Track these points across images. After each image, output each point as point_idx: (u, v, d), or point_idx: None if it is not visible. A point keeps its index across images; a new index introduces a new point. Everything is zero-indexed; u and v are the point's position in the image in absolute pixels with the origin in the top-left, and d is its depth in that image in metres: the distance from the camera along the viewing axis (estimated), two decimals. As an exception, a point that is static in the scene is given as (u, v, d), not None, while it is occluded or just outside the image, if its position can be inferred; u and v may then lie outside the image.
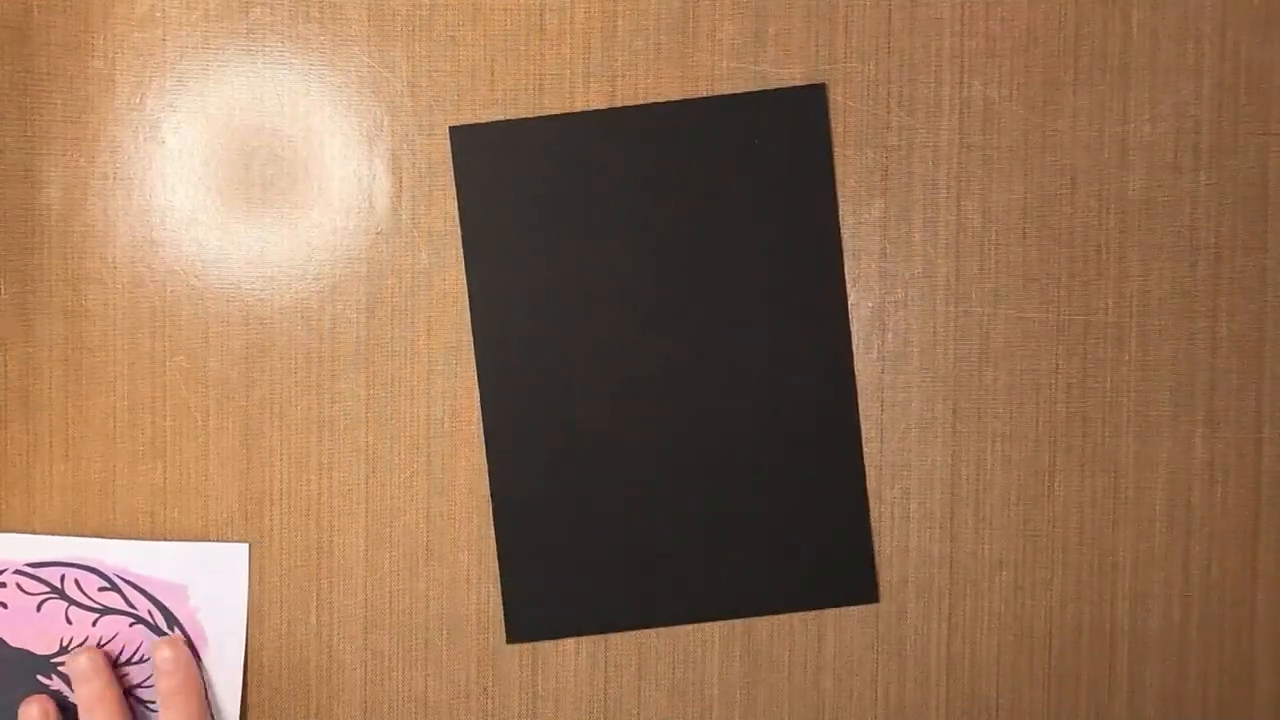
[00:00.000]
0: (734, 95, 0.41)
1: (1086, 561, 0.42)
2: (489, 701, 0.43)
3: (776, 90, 0.41)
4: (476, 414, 0.42)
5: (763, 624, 0.42)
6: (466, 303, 0.42)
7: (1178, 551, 0.42)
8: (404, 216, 0.42)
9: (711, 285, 0.41)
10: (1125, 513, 0.42)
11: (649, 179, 0.41)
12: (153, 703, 0.43)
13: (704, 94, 0.41)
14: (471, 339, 0.42)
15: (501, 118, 0.41)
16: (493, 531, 0.42)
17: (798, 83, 0.41)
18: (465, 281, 0.42)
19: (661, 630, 0.42)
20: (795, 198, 0.41)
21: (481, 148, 0.41)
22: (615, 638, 0.42)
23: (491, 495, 0.42)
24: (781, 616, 0.42)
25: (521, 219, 0.41)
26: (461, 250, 0.42)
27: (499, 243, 0.41)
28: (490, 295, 0.41)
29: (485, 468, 0.42)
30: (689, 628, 0.42)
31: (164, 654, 0.41)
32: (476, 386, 0.42)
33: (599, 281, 0.41)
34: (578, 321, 0.41)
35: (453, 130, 0.41)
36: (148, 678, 0.43)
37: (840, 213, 0.41)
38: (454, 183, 0.41)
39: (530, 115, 0.41)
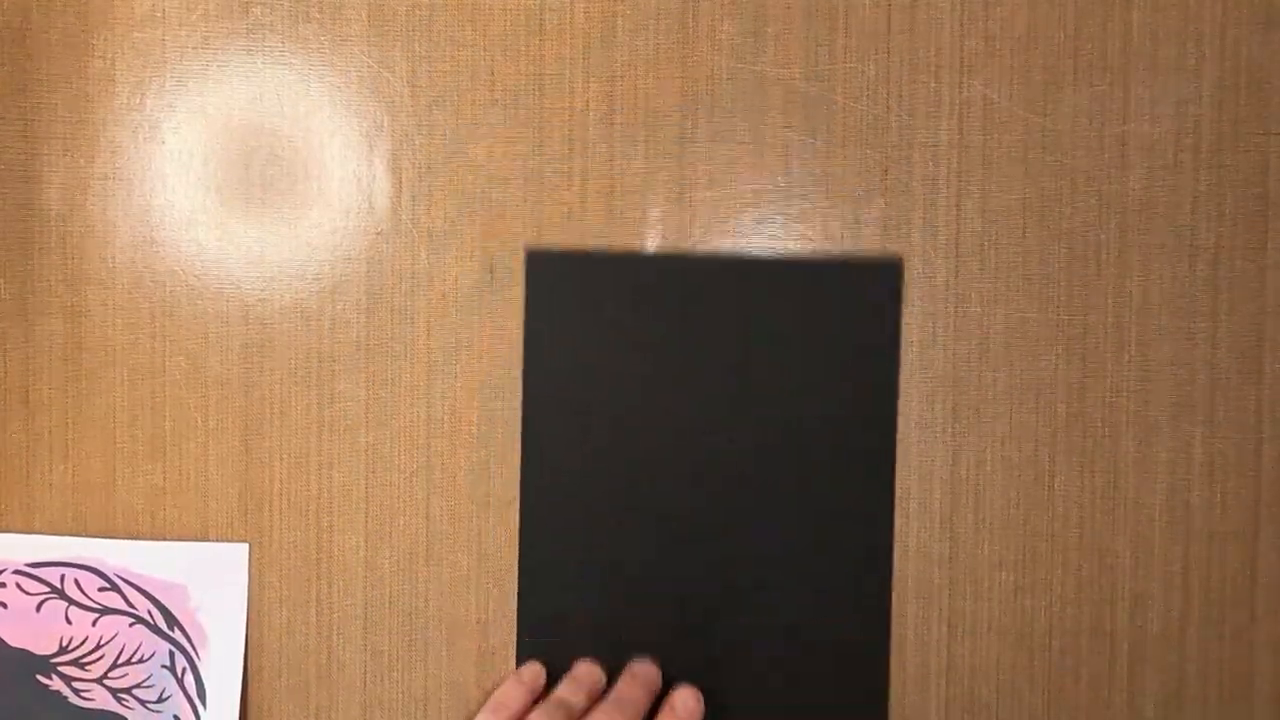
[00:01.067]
0: (811, 261, 0.41)
1: (1086, 561, 0.42)
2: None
3: (856, 263, 0.41)
4: (476, 414, 0.42)
5: (763, 624, 0.42)
6: (462, 304, 0.42)
7: (1178, 552, 0.42)
8: (404, 216, 0.42)
9: (762, 436, 0.41)
10: (1125, 513, 0.42)
11: (718, 328, 0.41)
12: (153, 702, 0.43)
13: (705, 96, 0.41)
14: (520, 413, 0.42)
15: (576, 245, 0.41)
16: (492, 531, 0.42)
17: (873, 255, 0.41)
18: (520, 398, 0.42)
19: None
20: (859, 367, 0.41)
21: (555, 272, 0.41)
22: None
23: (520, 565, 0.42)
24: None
25: (584, 347, 0.41)
26: (521, 365, 0.42)
27: (558, 366, 0.41)
28: (543, 419, 0.41)
29: (483, 467, 0.42)
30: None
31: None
32: (506, 448, 0.42)
33: (650, 420, 0.41)
34: (624, 454, 0.41)
35: (529, 254, 0.41)
36: (148, 677, 0.43)
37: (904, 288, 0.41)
38: (523, 303, 0.41)
39: (603, 246, 0.41)
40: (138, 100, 0.42)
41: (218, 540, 0.43)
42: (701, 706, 0.39)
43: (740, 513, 0.41)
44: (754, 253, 0.41)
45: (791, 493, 0.41)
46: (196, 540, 0.43)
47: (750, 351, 0.41)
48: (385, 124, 0.42)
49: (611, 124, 0.42)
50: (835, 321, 0.41)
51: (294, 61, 0.42)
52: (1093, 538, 0.42)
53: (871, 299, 0.41)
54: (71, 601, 0.43)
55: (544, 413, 0.41)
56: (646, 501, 0.41)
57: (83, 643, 0.43)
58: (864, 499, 0.41)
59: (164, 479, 0.43)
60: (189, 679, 0.43)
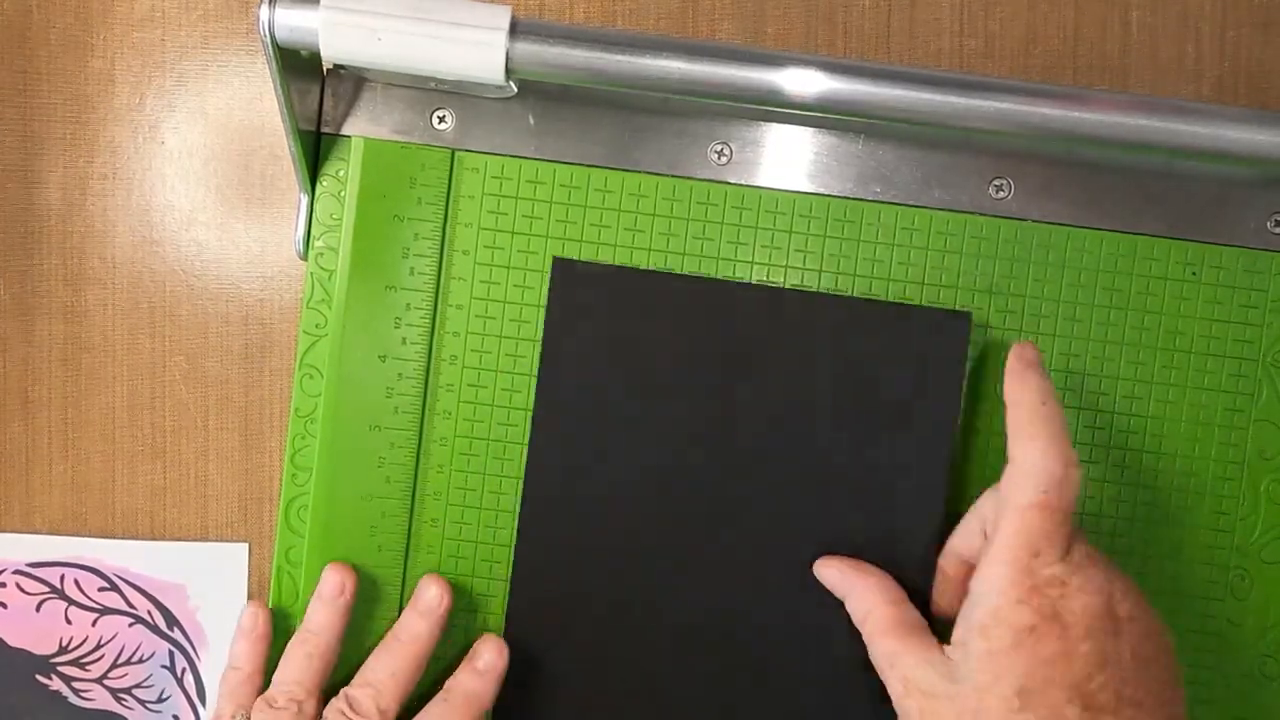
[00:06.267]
0: (871, 302, 0.38)
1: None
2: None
3: (918, 310, 0.38)
4: (476, 414, 0.42)
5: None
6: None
7: None
8: (404, 216, 0.42)
9: (792, 490, 0.38)
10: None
11: (747, 357, 0.38)
12: (153, 702, 0.43)
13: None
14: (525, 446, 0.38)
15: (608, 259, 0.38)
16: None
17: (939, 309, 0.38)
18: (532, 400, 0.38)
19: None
20: (915, 418, 0.37)
21: (582, 284, 0.38)
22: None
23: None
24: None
25: (605, 363, 0.38)
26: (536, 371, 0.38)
27: (576, 383, 0.38)
28: (553, 436, 0.38)
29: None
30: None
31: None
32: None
33: (665, 446, 0.38)
34: (636, 482, 0.38)
35: (556, 263, 0.38)
36: (148, 677, 0.43)
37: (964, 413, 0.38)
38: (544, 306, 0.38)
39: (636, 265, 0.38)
40: (138, 100, 0.42)
41: (218, 540, 0.43)
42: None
43: (762, 560, 0.38)
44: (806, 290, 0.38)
45: (824, 542, 0.38)
46: (196, 540, 0.43)
47: (793, 388, 0.38)
48: (385, 124, 0.42)
49: (611, 124, 0.42)
50: (892, 367, 0.37)
51: (294, 61, 0.42)
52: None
53: (934, 350, 0.37)
54: (71, 601, 0.43)
55: (555, 429, 0.38)
56: (660, 543, 0.38)
57: (83, 643, 0.43)
58: (904, 557, 0.37)
59: (164, 479, 0.43)
60: (189, 679, 0.43)
